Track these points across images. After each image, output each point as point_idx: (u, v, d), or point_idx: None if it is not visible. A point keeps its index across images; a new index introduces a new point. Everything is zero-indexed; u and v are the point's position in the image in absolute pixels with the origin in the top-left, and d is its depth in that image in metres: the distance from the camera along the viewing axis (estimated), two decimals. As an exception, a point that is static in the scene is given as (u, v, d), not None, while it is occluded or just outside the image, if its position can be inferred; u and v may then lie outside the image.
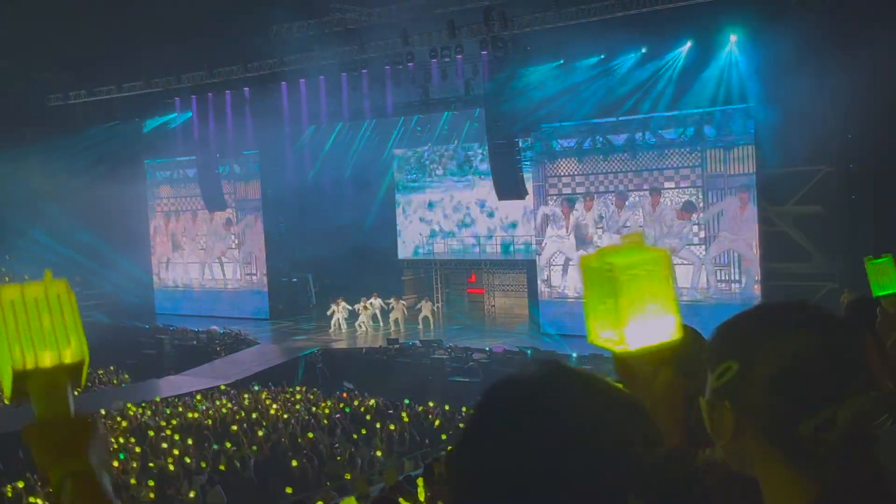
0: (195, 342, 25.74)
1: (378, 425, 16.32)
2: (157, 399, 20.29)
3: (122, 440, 16.11)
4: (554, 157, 23.43)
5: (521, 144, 22.73)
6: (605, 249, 1.39)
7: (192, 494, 12.58)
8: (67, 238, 28.80)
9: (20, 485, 13.84)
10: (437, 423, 16.65)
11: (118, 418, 17.97)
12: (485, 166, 25.09)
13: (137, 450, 15.22)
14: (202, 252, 30.60)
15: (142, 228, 31.52)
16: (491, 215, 27.31)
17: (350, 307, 25.72)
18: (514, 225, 26.87)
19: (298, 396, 20.01)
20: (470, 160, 27.62)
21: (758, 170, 20.36)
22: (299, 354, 23.24)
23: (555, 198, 23.38)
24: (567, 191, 23.27)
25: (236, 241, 29.84)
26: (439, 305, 27.95)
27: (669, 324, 1.37)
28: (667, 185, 21.88)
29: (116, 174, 28.25)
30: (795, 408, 1.21)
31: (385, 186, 29.02)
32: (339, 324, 25.62)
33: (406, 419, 16.37)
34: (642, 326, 1.35)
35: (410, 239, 28.87)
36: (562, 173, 23.36)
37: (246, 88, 26.38)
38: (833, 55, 16.16)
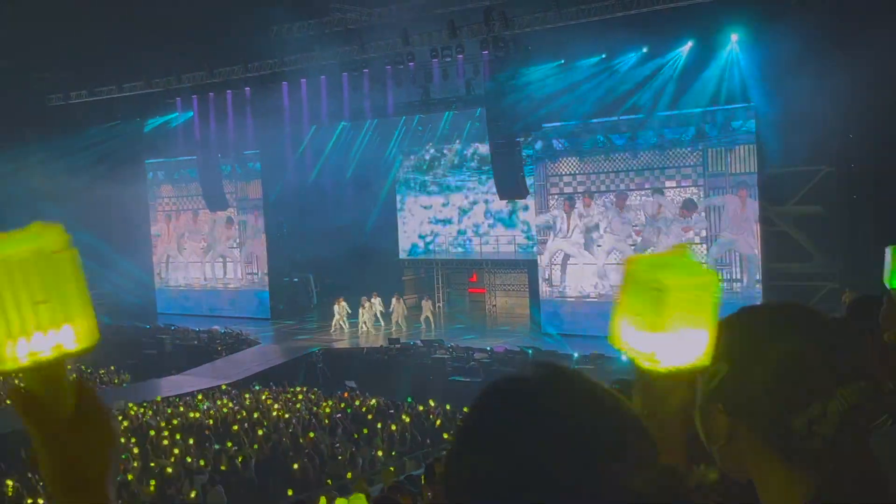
0: (196, 342, 25.75)
1: (379, 425, 16.31)
2: (158, 399, 20.30)
3: (122, 440, 16.09)
4: (555, 156, 23.42)
5: (522, 144, 22.72)
6: (654, 261, 1.31)
7: (192, 494, 12.59)
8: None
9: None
10: (438, 422, 16.64)
11: (119, 418, 17.99)
12: (486, 166, 25.10)
13: (137, 450, 15.22)
14: (203, 252, 30.62)
15: (143, 228, 31.51)
16: (492, 215, 27.31)
17: (350, 310, 25.72)
18: (515, 225, 26.87)
19: (300, 396, 20.02)
20: (471, 160, 27.62)
21: (758, 169, 20.37)
22: (302, 354, 23.24)
23: (556, 197, 23.38)
24: (568, 190, 23.25)
25: (237, 241, 29.85)
26: (440, 305, 27.94)
27: (703, 347, 1.31)
28: (668, 184, 21.88)
29: (117, 174, 28.22)
30: (788, 404, 1.22)
31: (386, 186, 29.03)
32: (340, 324, 25.61)
33: (407, 419, 16.37)
34: (676, 347, 1.30)
35: (411, 239, 28.88)
36: (563, 172, 23.35)
37: (247, 88, 26.37)
38: (833, 55, 16.15)
